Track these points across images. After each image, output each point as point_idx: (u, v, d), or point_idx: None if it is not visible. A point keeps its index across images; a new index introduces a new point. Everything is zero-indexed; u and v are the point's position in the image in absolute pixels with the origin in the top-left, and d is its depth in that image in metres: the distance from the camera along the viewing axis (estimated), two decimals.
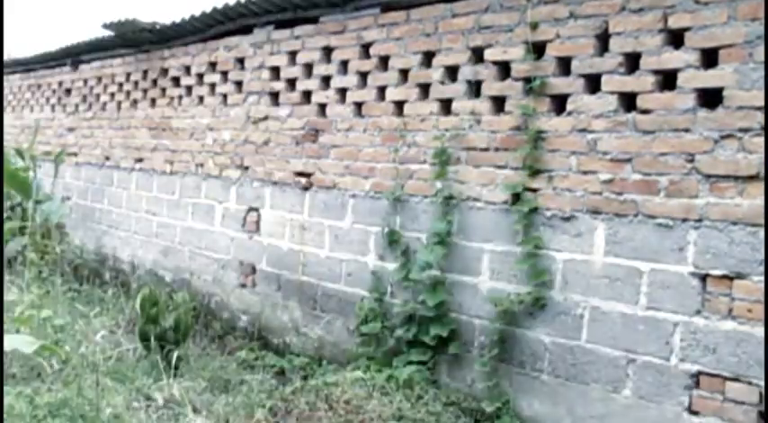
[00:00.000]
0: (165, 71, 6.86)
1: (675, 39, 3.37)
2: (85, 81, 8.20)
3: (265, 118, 5.65)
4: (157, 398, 3.86)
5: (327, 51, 5.12)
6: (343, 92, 5.02)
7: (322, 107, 5.18)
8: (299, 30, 5.34)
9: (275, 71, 5.58)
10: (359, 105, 4.90)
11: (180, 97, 6.68)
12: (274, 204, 5.57)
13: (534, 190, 3.85)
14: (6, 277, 5.69)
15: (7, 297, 4.61)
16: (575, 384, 3.66)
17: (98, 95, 7.96)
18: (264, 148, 5.65)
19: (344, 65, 4.99)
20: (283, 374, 4.85)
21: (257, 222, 5.73)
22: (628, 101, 3.53)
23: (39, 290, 5.10)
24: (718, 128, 3.19)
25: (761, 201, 3.05)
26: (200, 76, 6.39)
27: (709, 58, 3.26)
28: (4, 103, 9.86)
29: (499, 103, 4.08)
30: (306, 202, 5.27)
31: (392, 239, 4.55)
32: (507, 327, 3.93)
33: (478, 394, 4.02)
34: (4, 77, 9.80)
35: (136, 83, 7.32)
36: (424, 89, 4.47)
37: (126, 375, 4.17)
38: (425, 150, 4.42)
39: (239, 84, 5.95)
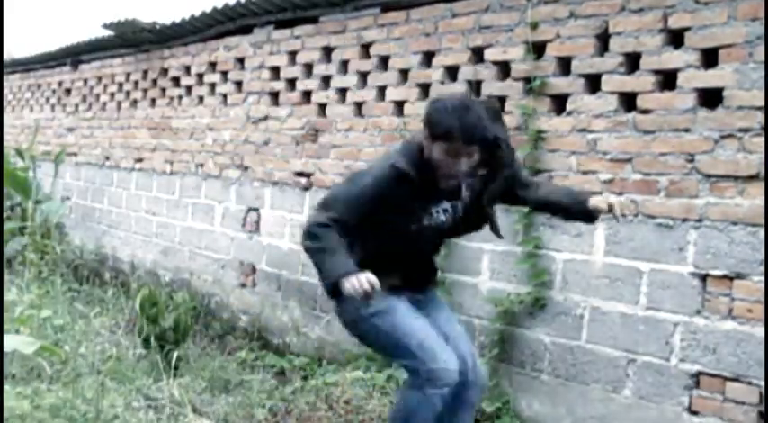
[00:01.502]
0: (164, 71, 6.86)
1: (675, 39, 3.37)
2: (85, 81, 8.20)
3: (265, 118, 5.65)
4: (157, 398, 3.86)
5: (327, 51, 5.12)
6: (343, 92, 5.02)
7: (322, 107, 5.18)
8: (299, 30, 5.34)
9: (275, 71, 5.58)
10: (359, 105, 4.90)
11: (180, 97, 6.68)
12: (274, 204, 5.57)
13: None
14: (6, 277, 5.69)
15: (7, 297, 4.61)
16: (575, 384, 3.66)
17: (98, 95, 7.96)
18: (264, 148, 5.65)
19: (344, 65, 4.99)
20: (283, 374, 4.85)
21: (257, 222, 5.73)
22: (628, 101, 3.53)
23: (39, 290, 5.11)
24: (719, 128, 3.19)
25: (761, 201, 3.05)
26: (200, 76, 6.39)
27: (709, 58, 3.26)
28: (4, 103, 9.86)
29: (499, 103, 4.08)
30: (306, 202, 5.27)
31: None
32: (507, 327, 3.93)
33: None
34: (4, 77, 9.80)
35: (136, 83, 7.32)
36: (425, 89, 4.47)
37: (126, 375, 4.17)
38: None
39: (239, 84, 5.95)
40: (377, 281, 2.40)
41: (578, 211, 2.72)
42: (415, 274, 2.76)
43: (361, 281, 2.37)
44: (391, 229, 2.57)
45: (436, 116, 2.42)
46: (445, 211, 2.63)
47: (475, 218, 2.71)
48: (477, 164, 2.49)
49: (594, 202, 2.65)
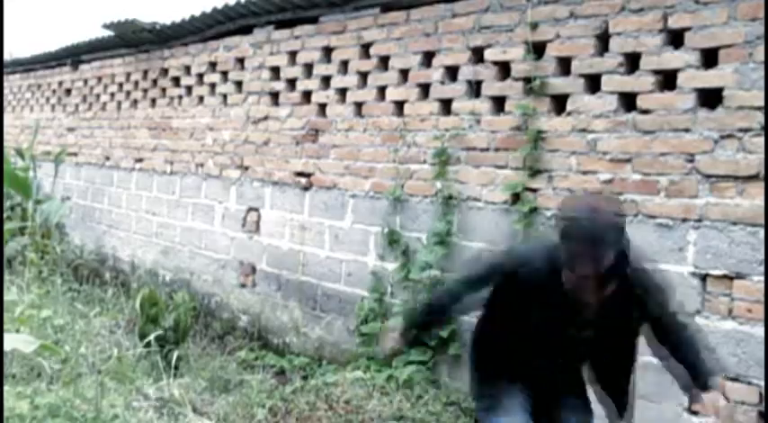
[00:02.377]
0: (165, 71, 6.86)
1: (675, 39, 3.37)
2: (85, 81, 8.20)
3: (265, 118, 5.65)
4: (157, 398, 3.86)
5: (327, 51, 5.12)
6: (343, 92, 5.02)
7: (322, 107, 5.18)
8: (299, 30, 5.34)
9: (275, 71, 5.58)
10: (359, 105, 4.90)
11: (180, 97, 6.68)
12: (274, 204, 5.57)
13: (534, 190, 3.85)
14: (6, 277, 5.69)
15: (7, 297, 4.60)
16: None
17: (98, 95, 7.96)
18: (264, 148, 5.65)
19: (344, 65, 4.99)
20: (283, 374, 4.85)
21: (257, 222, 5.73)
22: (628, 101, 3.53)
23: (39, 290, 5.10)
24: (718, 128, 3.19)
25: (761, 201, 3.05)
26: (201, 76, 6.39)
27: (709, 58, 3.26)
28: (4, 103, 9.86)
29: (499, 103, 4.08)
30: (306, 202, 5.27)
31: (392, 239, 4.55)
32: None
33: None
34: (4, 77, 9.80)
35: (136, 83, 7.32)
36: (424, 89, 4.47)
37: (126, 375, 4.17)
38: (425, 150, 4.42)
39: (239, 84, 5.95)
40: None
41: (686, 389, 2.52)
42: (545, 382, 2.60)
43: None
44: (517, 323, 2.48)
45: (561, 217, 2.35)
46: (583, 329, 2.43)
47: (614, 343, 2.49)
48: (608, 277, 2.29)
49: (706, 398, 2.38)
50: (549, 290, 2.36)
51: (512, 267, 2.46)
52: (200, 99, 6.41)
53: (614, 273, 2.29)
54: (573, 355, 2.56)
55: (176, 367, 4.37)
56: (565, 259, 2.28)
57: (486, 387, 2.63)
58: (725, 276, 3.16)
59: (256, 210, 5.74)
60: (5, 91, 9.90)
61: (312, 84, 5.25)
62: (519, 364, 2.54)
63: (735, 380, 3.12)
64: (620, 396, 2.66)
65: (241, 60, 5.92)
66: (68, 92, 8.59)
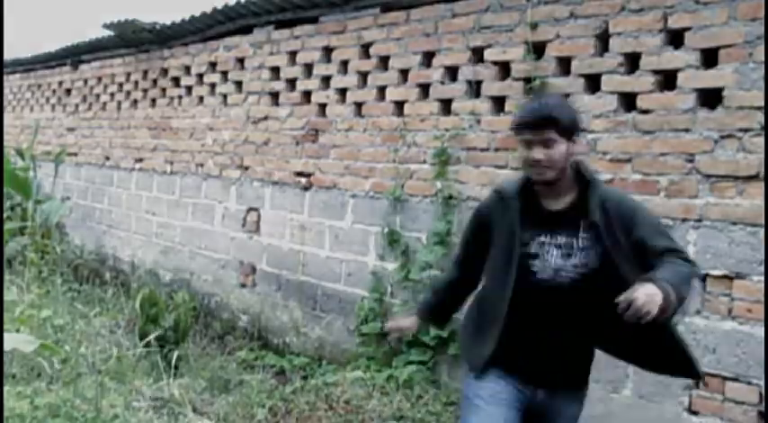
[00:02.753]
0: (165, 71, 6.86)
1: (675, 39, 3.37)
2: (85, 81, 8.20)
3: (265, 118, 5.65)
4: (157, 398, 3.86)
5: (327, 51, 5.12)
6: (343, 92, 5.02)
7: (322, 107, 5.18)
8: (299, 30, 5.34)
9: (275, 71, 5.58)
10: (359, 105, 4.90)
11: (180, 97, 6.68)
12: (274, 204, 5.57)
13: None
14: (6, 277, 5.69)
15: (7, 297, 4.60)
16: None
17: (98, 95, 7.96)
18: (264, 148, 5.65)
19: (344, 65, 4.99)
20: (283, 374, 4.85)
21: (257, 222, 5.73)
22: (628, 101, 3.53)
23: (39, 290, 5.10)
24: (718, 128, 3.19)
25: (761, 201, 3.05)
26: (201, 76, 6.39)
27: (709, 58, 3.26)
28: (4, 103, 9.86)
29: (499, 103, 4.08)
30: (306, 202, 5.27)
31: (392, 239, 4.55)
32: None
33: None
34: (4, 77, 9.80)
35: (136, 83, 7.32)
36: (424, 89, 4.47)
37: (126, 375, 4.17)
38: (425, 150, 4.42)
39: (239, 84, 5.95)
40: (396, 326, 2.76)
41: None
42: (534, 357, 2.36)
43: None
44: (497, 260, 2.33)
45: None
46: (558, 246, 2.23)
47: (606, 281, 2.13)
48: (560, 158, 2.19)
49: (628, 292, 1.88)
50: (527, 210, 2.28)
51: (492, 199, 2.43)
52: (200, 99, 6.41)
53: (577, 178, 2.27)
54: (567, 299, 2.26)
55: (176, 367, 4.37)
56: (522, 156, 2.24)
57: (469, 357, 2.44)
58: (725, 276, 3.16)
59: (256, 210, 5.74)
60: (5, 91, 9.90)
61: (312, 84, 5.25)
62: (510, 321, 2.28)
63: (735, 380, 3.12)
64: (667, 357, 2.30)
65: (241, 60, 5.92)
66: (68, 92, 8.60)
